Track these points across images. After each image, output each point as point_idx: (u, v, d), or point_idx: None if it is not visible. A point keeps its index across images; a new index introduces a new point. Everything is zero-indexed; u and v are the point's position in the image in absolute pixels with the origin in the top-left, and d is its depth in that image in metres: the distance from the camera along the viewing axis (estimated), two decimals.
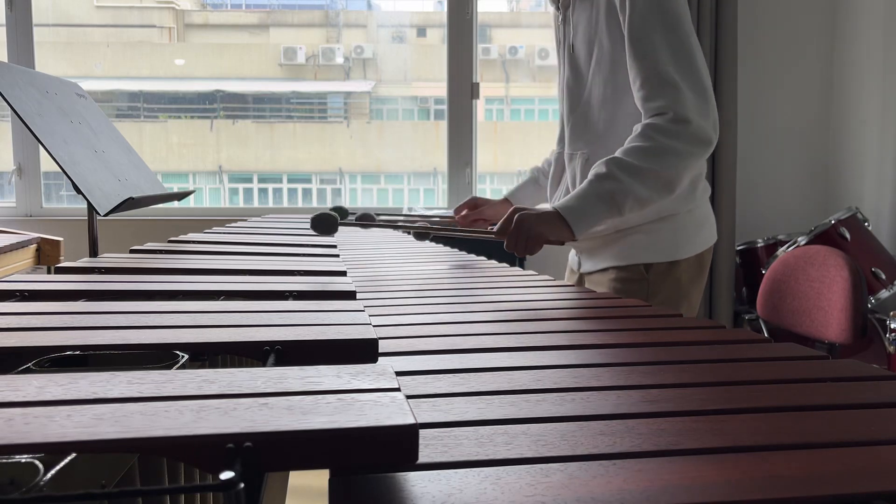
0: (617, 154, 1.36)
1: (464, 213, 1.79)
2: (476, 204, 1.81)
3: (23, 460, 0.44)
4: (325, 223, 1.49)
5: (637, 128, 1.37)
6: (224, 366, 0.80)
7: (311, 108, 3.66)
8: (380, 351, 0.72)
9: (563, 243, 1.41)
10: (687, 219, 1.50)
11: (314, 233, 1.53)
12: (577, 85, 1.53)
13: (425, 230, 1.75)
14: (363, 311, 0.84)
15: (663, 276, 1.49)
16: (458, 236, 1.65)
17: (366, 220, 1.71)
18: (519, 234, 1.35)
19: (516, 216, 1.36)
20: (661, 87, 1.34)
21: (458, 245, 1.86)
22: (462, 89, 3.30)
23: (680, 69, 1.35)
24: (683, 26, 1.38)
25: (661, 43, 1.35)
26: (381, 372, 0.56)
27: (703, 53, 1.42)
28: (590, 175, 1.37)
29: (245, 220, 2.20)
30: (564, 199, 1.38)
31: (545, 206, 1.48)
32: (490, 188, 3.52)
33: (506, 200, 1.81)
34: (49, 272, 2.50)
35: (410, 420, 0.46)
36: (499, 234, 1.39)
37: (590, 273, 1.60)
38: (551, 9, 1.63)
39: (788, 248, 2.58)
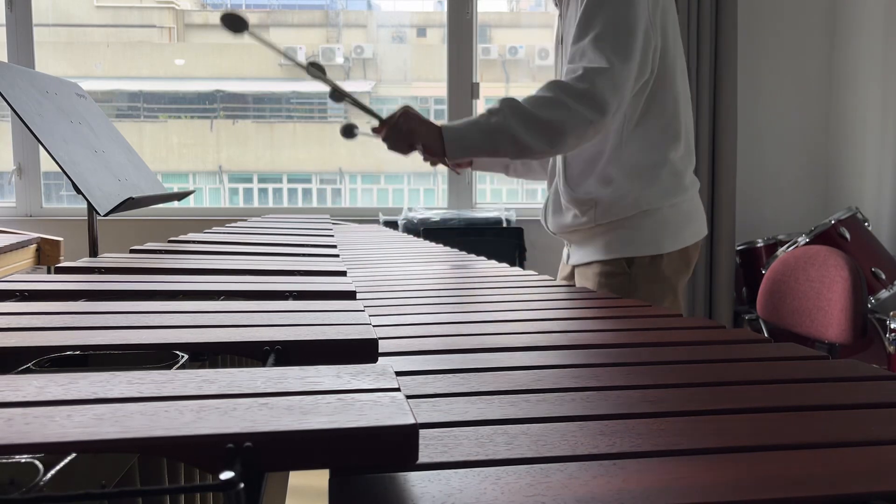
0: (516, 98, 1.41)
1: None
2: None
3: (23, 460, 0.44)
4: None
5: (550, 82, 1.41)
6: (224, 366, 0.80)
7: (311, 108, 3.66)
8: (380, 351, 0.72)
9: (440, 160, 1.47)
10: (670, 213, 1.50)
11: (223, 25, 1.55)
12: None
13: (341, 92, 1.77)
14: (363, 311, 0.84)
15: (646, 271, 1.50)
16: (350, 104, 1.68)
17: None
18: (395, 125, 1.45)
19: (402, 109, 1.45)
20: (581, 55, 1.38)
21: (458, 245, 1.86)
22: (462, 89, 3.30)
23: (608, 45, 1.36)
24: (629, 7, 1.38)
25: (599, 21, 1.37)
26: (381, 372, 0.56)
27: (647, 32, 1.41)
28: (487, 108, 1.44)
29: (245, 220, 2.20)
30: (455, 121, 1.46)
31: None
32: (490, 188, 3.52)
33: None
34: (49, 272, 2.50)
35: (410, 420, 0.46)
36: (385, 121, 1.49)
37: (578, 265, 1.61)
38: (552, 8, 1.65)
39: (788, 248, 2.58)
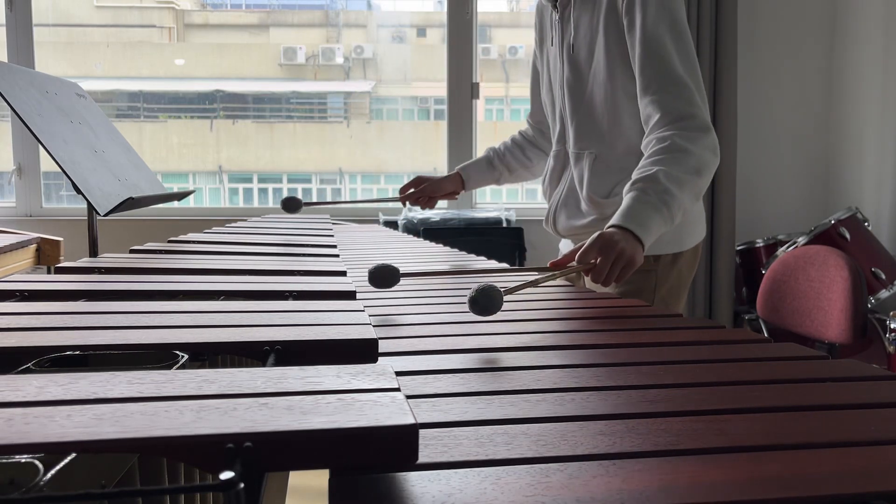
0: (657, 166, 1.31)
1: (410, 191, 1.86)
2: (419, 181, 1.87)
3: (23, 460, 0.44)
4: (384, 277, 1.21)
5: (664, 136, 1.34)
6: (224, 366, 0.80)
7: (311, 108, 3.66)
8: (380, 351, 0.72)
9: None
10: (689, 212, 1.51)
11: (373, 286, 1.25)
12: (577, 84, 1.54)
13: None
14: (363, 311, 0.84)
15: (669, 267, 1.54)
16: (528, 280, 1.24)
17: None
18: (617, 260, 1.20)
19: (613, 242, 1.21)
20: (679, 91, 1.37)
21: (459, 245, 1.86)
22: (462, 89, 3.30)
23: (691, 76, 1.39)
24: (688, 34, 1.42)
25: (672, 49, 1.38)
26: (381, 372, 0.56)
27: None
28: (639, 188, 1.30)
29: (245, 220, 2.20)
30: (623, 216, 1.26)
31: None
32: (490, 188, 3.52)
33: (456, 175, 1.86)
34: (49, 272, 2.50)
35: (410, 420, 0.46)
36: (581, 263, 1.21)
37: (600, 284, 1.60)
38: (542, 1, 1.63)
39: (788, 248, 2.58)
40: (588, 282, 1.59)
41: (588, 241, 1.21)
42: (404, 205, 1.91)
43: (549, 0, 1.59)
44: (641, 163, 1.36)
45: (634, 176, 1.32)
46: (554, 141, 1.64)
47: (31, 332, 0.72)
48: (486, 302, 0.95)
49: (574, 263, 1.20)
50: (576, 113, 1.56)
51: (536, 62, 1.73)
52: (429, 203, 1.88)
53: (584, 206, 1.56)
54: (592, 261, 1.19)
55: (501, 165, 1.85)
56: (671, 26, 1.40)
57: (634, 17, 1.41)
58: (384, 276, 1.15)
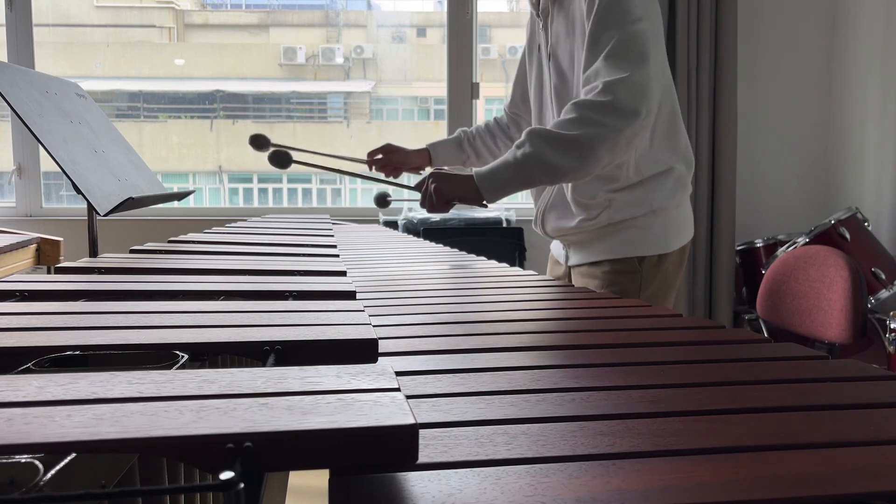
0: (551, 126, 1.40)
1: (378, 157, 1.89)
2: (388, 150, 1.89)
3: (23, 460, 0.44)
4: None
5: (580, 100, 1.40)
6: (224, 366, 0.80)
7: (310, 108, 3.66)
8: (380, 351, 0.72)
9: (481, 205, 1.49)
10: (675, 214, 1.57)
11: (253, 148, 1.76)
12: (564, 90, 1.58)
13: (338, 171, 1.92)
14: (363, 311, 0.84)
15: (654, 269, 1.56)
16: (370, 178, 1.81)
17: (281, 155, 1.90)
18: (427, 190, 1.49)
19: (431, 173, 1.49)
20: (596, 74, 1.38)
21: (459, 245, 1.87)
22: (462, 89, 3.30)
23: (622, 57, 1.36)
24: (636, 21, 1.39)
25: (606, 37, 1.38)
26: (381, 372, 0.56)
27: (660, 41, 1.47)
28: (517, 141, 1.43)
29: (245, 220, 2.20)
30: (485, 166, 1.48)
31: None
32: None
33: (422, 150, 1.88)
34: (49, 272, 2.50)
35: (410, 420, 0.46)
36: (416, 187, 1.54)
37: (578, 266, 1.62)
38: (529, 10, 1.67)
39: (788, 248, 2.58)
40: (574, 275, 1.66)
41: (427, 173, 1.51)
42: (370, 168, 1.91)
43: (533, 8, 1.62)
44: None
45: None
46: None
47: (31, 332, 0.72)
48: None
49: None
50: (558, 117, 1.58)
51: (524, 61, 1.76)
52: (394, 172, 1.89)
53: (573, 207, 1.59)
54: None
55: (470, 149, 1.87)
56: (616, 18, 1.38)
57: (591, 13, 1.42)
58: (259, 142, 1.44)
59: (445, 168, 1.66)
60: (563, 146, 1.36)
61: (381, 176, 1.89)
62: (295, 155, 1.86)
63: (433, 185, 1.48)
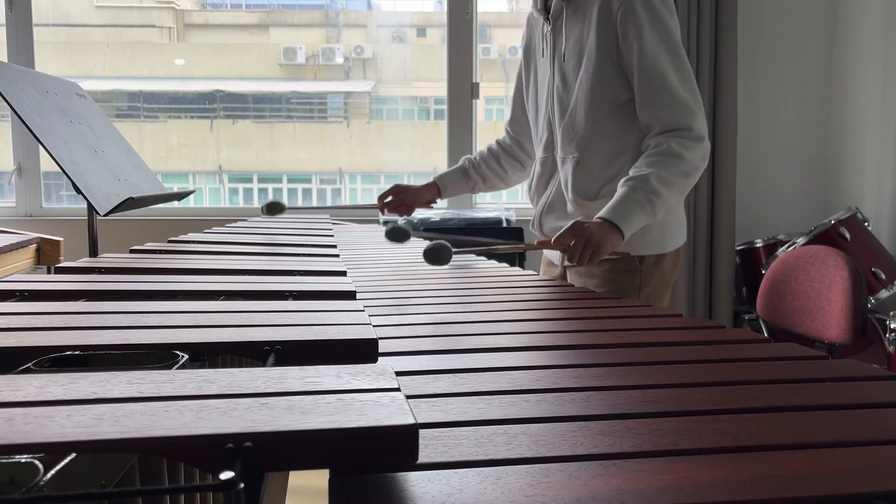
0: (650, 167, 1.44)
1: (388, 199, 1.90)
2: (397, 190, 1.90)
3: (23, 460, 0.44)
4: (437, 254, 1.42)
5: (662, 141, 1.46)
6: (224, 366, 0.80)
7: (311, 108, 3.66)
8: (380, 351, 0.72)
9: (615, 252, 1.46)
10: (672, 216, 1.60)
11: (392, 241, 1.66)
12: (565, 93, 1.59)
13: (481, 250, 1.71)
14: (363, 311, 0.84)
15: (653, 268, 1.59)
16: (505, 251, 1.56)
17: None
18: (587, 244, 1.39)
19: (582, 227, 1.40)
20: (676, 107, 1.47)
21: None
22: (462, 89, 3.30)
23: (688, 90, 1.49)
24: (681, 48, 1.52)
25: (670, 67, 1.48)
26: (381, 372, 0.56)
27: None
28: (629, 185, 1.44)
29: (245, 220, 2.20)
30: (610, 210, 1.42)
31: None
32: None
33: (433, 184, 1.89)
34: (49, 272, 2.50)
35: (410, 420, 0.46)
36: (557, 244, 1.41)
37: (575, 265, 1.63)
38: (534, 14, 1.67)
39: (788, 248, 2.58)
40: (571, 276, 1.66)
41: (566, 227, 1.41)
42: (382, 212, 1.94)
43: (542, 13, 1.62)
44: (638, 162, 1.48)
45: (630, 173, 1.46)
46: (542, 148, 1.68)
47: (31, 332, 0.72)
48: (435, 254, 1.33)
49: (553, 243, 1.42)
50: (562, 120, 1.60)
51: (521, 72, 1.77)
52: (407, 211, 1.92)
53: (570, 208, 1.60)
54: (568, 243, 1.39)
55: (476, 175, 1.89)
56: (668, 45, 1.48)
57: (629, 33, 1.47)
58: (439, 253, 1.36)
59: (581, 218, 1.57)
60: (678, 191, 1.47)
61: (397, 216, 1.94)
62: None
63: (591, 239, 1.39)
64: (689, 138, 1.46)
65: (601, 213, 1.43)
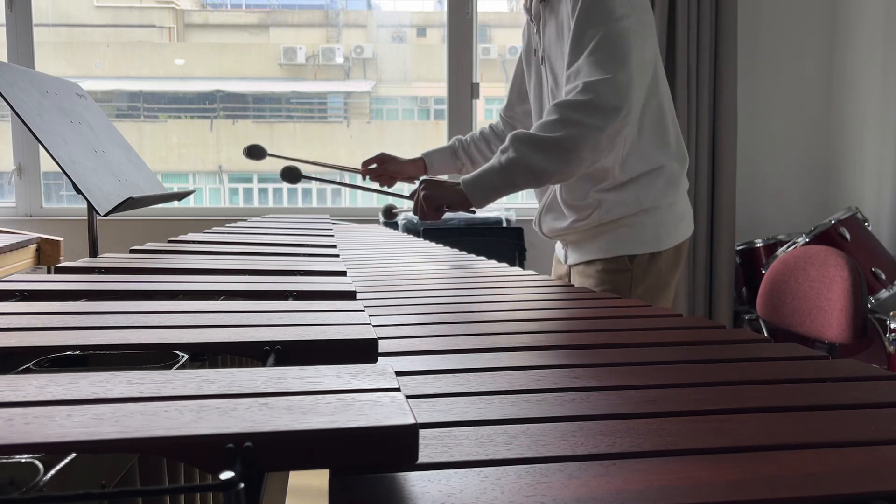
0: (531, 129, 1.42)
1: (372, 166, 1.90)
2: (383, 159, 1.90)
3: (23, 460, 0.44)
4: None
5: (553, 107, 1.40)
6: (224, 366, 0.80)
7: (310, 108, 3.66)
8: (380, 351, 0.72)
9: (469, 211, 1.52)
10: (668, 212, 1.56)
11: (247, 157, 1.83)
12: (548, 94, 1.60)
13: (337, 183, 2.06)
14: (363, 311, 0.84)
15: (646, 267, 1.56)
16: (363, 189, 1.85)
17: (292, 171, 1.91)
18: (418, 198, 1.51)
19: (422, 181, 1.52)
20: (577, 74, 1.39)
21: (459, 245, 1.87)
22: (462, 89, 3.30)
23: (603, 56, 1.36)
24: (620, 19, 1.39)
25: (588, 37, 1.39)
26: (381, 372, 0.56)
27: (649, 36, 1.46)
28: (502, 146, 1.45)
29: (245, 220, 2.20)
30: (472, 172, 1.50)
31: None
32: None
33: (420, 160, 1.90)
34: (49, 272, 2.50)
35: (410, 420, 0.46)
36: (410, 196, 1.56)
37: (576, 265, 1.64)
38: (524, 17, 1.68)
39: (788, 248, 2.58)
40: (573, 275, 1.66)
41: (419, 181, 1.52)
42: (364, 178, 1.93)
43: (528, 13, 1.64)
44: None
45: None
46: None
47: (31, 332, 0.72)
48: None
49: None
50: None
51: (522, 64, 1.77)
52: (389, 182, 1.91)
53: (563, 209, 1.60)
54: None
55: (465, 156, 1.88)
56: (596, 17, 1.38)
57: (573, 19, 1.42)
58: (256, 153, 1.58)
59: (438, 177, 1.70)
60: (545, 149, 1.36)
61: (377, 186, 1.90)
62: (300, 166, 1.90)
63: (423, 193, 1.51)
64: (576, 95, 1.35)
65: (462, 175, 1.50)
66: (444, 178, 1.74)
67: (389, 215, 1.93)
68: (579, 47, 1.40)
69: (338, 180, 2.15)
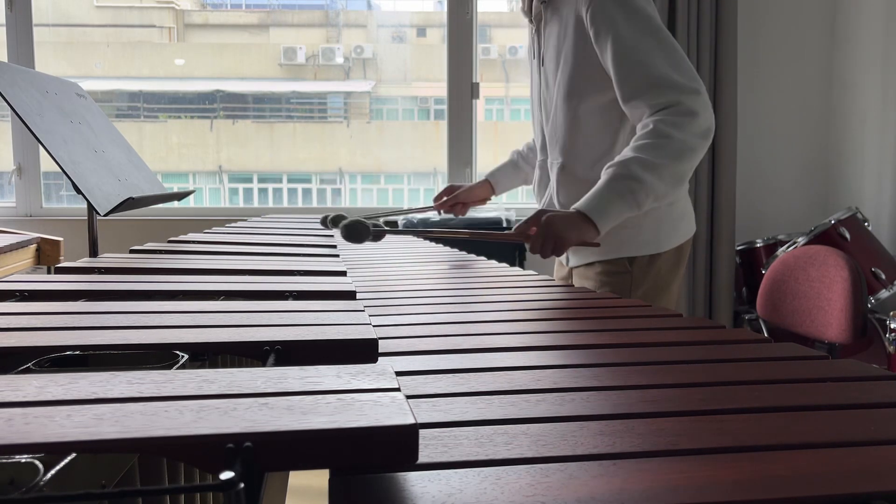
0: (633, 152, 1.36)
1: (443, 199, 1.92)
2: (451, 190, 1.93)
3: (23, 460, 0.44)
4: (356, 232, 1.37)
5: (648, 123, 1.37)
6: (224, 366, 0.80)
7: (311, 108, 3.65)
8: (380, 351, 0.72)
9: (589, 244, 1.38)
10: (668, 213, 1.54)
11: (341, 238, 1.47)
12: (548, 97, 1.59)
13: (432, 234, 1.79)
14: (363, 311, 0.84)
15: (645, 269, 1.54)
16: (462, 237, 1.57)
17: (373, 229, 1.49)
18: (547, 236, 1.34)
19: (543, 218, 1.35)
20: (663, 88, 1.36)
21: (459, 245, 1.87)
22: (462, 89, 3.30)
23: (676, 69, 1.37)
24: (658, 24, 1.41)
25: (652, 49, 1.38)
26: (381, 372, 0.56)
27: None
28: (609, 173, 1.37)
29: (245, 220, 2.20)
30: (585, 199, 1.37)
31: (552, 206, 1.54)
32: None
33: (485, 181, 1.91)
34: (49, 272, 2.50)
35: (410, 420, 0.46)
36: (518, 234, 1.37)
37: (576, 267, 1.64)
38: (525, 20, 1.67)
39: (788, 248, 2.58)
40: (574, 277, 1.65)
41: (530, 216, 1.37)
42: (439, 213, 1.99)
43: (527, 15, 1.63)
44: (625, 148, 1.39)
45: (614, 159, 1.38)
46: (538, 151, 1.68)
47: (31, 332, 0.72)
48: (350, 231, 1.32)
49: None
50: (547, 124, 1.60)
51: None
52: (462, 210, 1.95)
53: (560, 209, 1.58)
54: (529, 233, 1.36)
55: (526, 165, 1.90)
56: (649, 29, 1.39)
57: (601, 31, 1.40)
58: (357, 231, 1.35)
59: (546, 207, 1.56)
60: (666, 174, 1.34)
61: (452, 215, 1.96)
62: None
63: (550, 230, 1.34)
64: (677, 115, 1.34)
65: (577, 204, 1.36)
66: (556, 207, 1.59)
67: (337, 224, 1.75)
68: (644, 61, 1.36)
69: (418, 229, 2.08)
